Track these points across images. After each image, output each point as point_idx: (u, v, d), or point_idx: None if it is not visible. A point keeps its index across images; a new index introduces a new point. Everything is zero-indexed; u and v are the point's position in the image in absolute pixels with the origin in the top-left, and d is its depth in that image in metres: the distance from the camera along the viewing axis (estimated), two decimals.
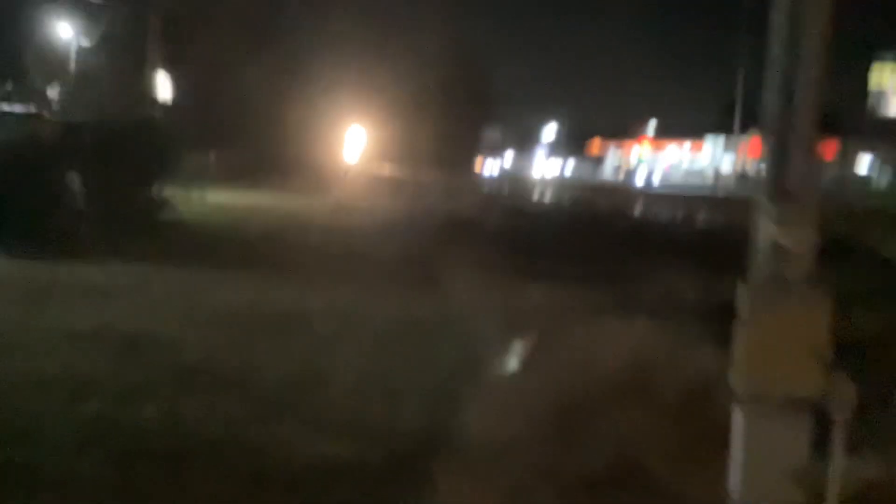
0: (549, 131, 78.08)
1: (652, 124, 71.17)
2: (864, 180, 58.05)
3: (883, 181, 56.54)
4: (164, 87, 28.44)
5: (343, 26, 40.21)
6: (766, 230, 3.41)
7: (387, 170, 50.45)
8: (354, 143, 53.61)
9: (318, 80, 40.82)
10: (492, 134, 79.32)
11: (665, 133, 70.03)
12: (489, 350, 5.91)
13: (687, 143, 70.94)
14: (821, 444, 4.08)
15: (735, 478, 3.50)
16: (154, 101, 26.72)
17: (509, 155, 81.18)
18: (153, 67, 28.49)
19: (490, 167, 70.90)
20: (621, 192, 44.60)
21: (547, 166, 71.40)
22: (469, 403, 4.84)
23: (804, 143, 3.46)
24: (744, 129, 64.59)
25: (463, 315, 7.29)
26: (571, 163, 74.37)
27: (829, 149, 61.56)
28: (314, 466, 4.23)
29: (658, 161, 70.97)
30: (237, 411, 4.89)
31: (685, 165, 70.05)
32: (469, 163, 64.27)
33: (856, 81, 58.56)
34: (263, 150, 36.86)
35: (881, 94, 59.20)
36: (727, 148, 65.04)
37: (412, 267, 10.50)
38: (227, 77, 32.94)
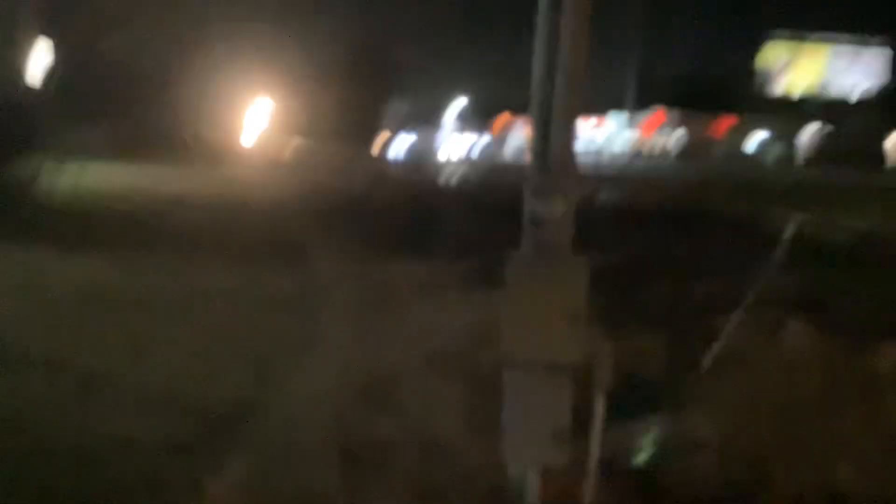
0: (457, 106, 77.68)
1: None
2: (751, 157, 60.11)
3: (769, 157, 58.65)
4: (43, 56, 27.06)
5: None
6: (528, 201, 3.46)
7: (291, 145, 49.70)
8: (257, 116, 52.58)
9: (220, 47, 39.58)
10: (399, 107, 78.41)
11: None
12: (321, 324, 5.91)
13: (592, 119, 71.77)
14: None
15: (506, 442, 3.58)
16: (23, 72, 25.36)
17: (416, 131, 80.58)
18: (29, 35, 27.15)
19: (398, 143, 70.33)
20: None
21: (455, 146, 70.76)
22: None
23: (563, 115, 3.50)
24: (646, 105, 65.82)
25: (311, 292, 7.26)
26: (480, 141, 74.06)
27: (723, 125, 63.57)
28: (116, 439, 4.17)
29: None
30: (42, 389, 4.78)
31: (585, 142, 71.28)
32: (371, 138, 63.61)
33: (750, 60, 60.55)
34: (161, 121, 35.77)
35: (769, 73, 61.13)
36: (631, 124, 66.11)
37: (281, 246, 10.37)
38: (121, 45, 31.74)
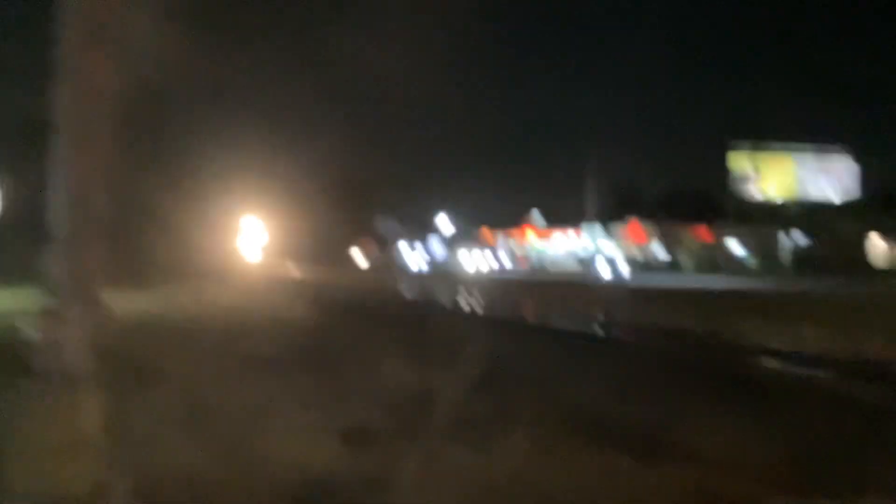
0: (443, 221, 79.25)
1: (535, 214, 73.54)
2: (741, 260, 60.78)
3: (753, 261, 59.08)
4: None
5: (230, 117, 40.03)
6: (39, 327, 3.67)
7: (283, 266, 50.50)
8: (247, 238, 53.37)
9: (202, 173, 39.96)
10: (386, 224, 79.98)
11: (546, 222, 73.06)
12: None
13: (571, 231, 73.29)
14: None
15: None
16: None
17: (402, 245, 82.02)
18: None
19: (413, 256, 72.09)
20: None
21: (475, 259, 71.26)
22: None
23: (77, 244, 3.71)
24: (619, 216, 67.30)
25: None
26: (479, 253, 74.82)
27: (702, 232, 64.52)
28: None
29: (550, 248, 73.13)
30: None
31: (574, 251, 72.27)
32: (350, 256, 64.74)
33: (716, 170, 62.12)
34: (137, 249, 35.55)
35: (742, 178, 62.34)
36: (608, 233, 67.36)
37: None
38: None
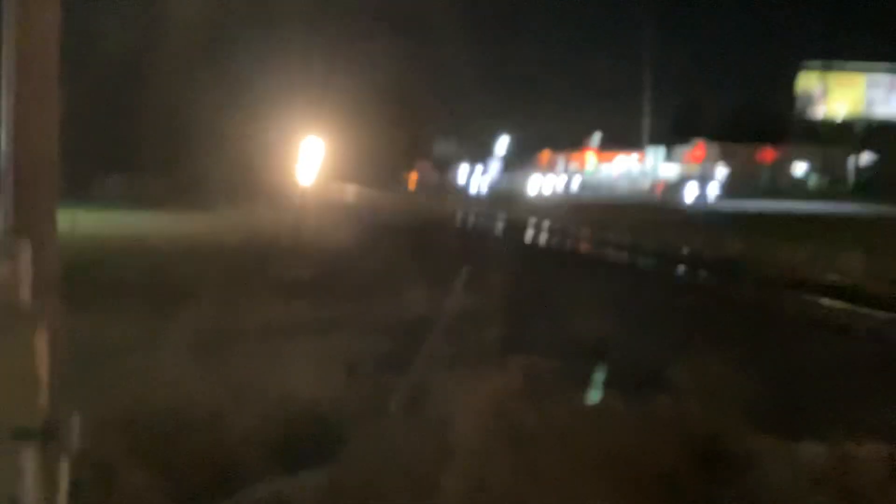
0: (503, 144, 78.80)
1: (597, 137, 72.48)
2: (800, 181, 59.15)
3: (813, 182, 57.42)
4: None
5: (286, 33, 39.67)
6: None
7: (340, 188, 50.87)
8: (304, 161, 53.64)
9: (254, 91, 39.77)
10: (445, 146, 79.73)
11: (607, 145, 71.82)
12: None
13: (635, 154, 72.37)
14: None
15: None
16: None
17: (462, 168, 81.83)
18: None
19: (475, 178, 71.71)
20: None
21: (539, 181, 69.73)
22: None
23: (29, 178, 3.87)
24: (685, 139, 66.01)
25: None
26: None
27: (766, 154, 62.84)
28: None
29: (610, 170, 72.30)
30: None
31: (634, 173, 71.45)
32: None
33: (785, 90, 60.13)
34: (196, 172, 35.75)
35: (808, 98, 60.51)
36: (668, 157, 66.25)
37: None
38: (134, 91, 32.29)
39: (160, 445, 4.64)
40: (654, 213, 33.21)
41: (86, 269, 12.07)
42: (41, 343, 3.16)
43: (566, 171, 73.44)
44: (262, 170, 36.12)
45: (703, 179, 52.26)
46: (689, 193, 47.68)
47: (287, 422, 5.05)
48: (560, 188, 66.86)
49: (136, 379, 5.77)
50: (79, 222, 19.72)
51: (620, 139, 71.40)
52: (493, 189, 67.28)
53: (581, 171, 73.18)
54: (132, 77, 32.03)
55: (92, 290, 9.74)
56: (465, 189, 68.76)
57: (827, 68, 59.67)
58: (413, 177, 68.08)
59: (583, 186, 68.44)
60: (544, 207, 37.56)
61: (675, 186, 52.71)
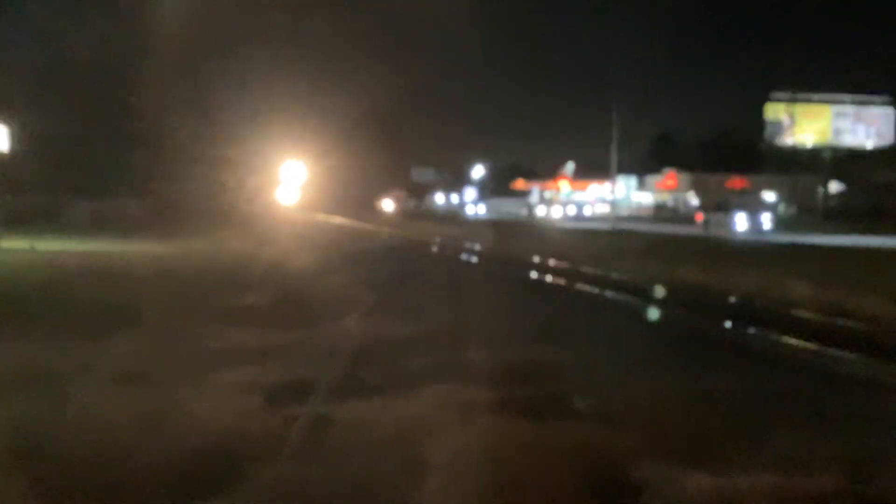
0: (478, 171, 79.49)
1: (570, 166, 73.20)
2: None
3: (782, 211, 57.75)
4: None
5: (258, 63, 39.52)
6: None
7: (312, 216, 50.87)
8: (282, 190, 53.60)
9: (231, 116, 39.15)
10: (422, 174, 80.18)
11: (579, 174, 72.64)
12: None
13: (607, 183, 73.02)
14: None
15: None
16: None
17: (438, 195, 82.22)
18: None
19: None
20: None
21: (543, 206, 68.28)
22: None
23: None
24: (657, 168, 66.92)
25: None
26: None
27: (736, 184, 63.70)
28: None
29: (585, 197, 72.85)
30: None
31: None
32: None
33: (754, 120, 61.19)
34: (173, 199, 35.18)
35: (777, 128, 61.73)
36: (640, 186, 66.95)
37: None
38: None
39: (55, 475, 4.65)
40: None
41: (28, 295, 12.13)
42: None
43: (541, 199, 73.70)
44: (236, 197, 36.05)
45: (755, 208, 44.68)
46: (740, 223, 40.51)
47: (191, 454, 5.06)
48: (568, 214, 63.45)
49: (48, 406, 5.80)
50: (36, 250, 19.84)
51: (593, 168, 72.05)
52: (491, 211, 66.37)
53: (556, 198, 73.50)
54: (106, 100, 31.83)
55: (30, 316, 9.82)
56: (462, 212, 67.14)
57: (793, 100, 60.92)
58: (387, 204, 68.42)
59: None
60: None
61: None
